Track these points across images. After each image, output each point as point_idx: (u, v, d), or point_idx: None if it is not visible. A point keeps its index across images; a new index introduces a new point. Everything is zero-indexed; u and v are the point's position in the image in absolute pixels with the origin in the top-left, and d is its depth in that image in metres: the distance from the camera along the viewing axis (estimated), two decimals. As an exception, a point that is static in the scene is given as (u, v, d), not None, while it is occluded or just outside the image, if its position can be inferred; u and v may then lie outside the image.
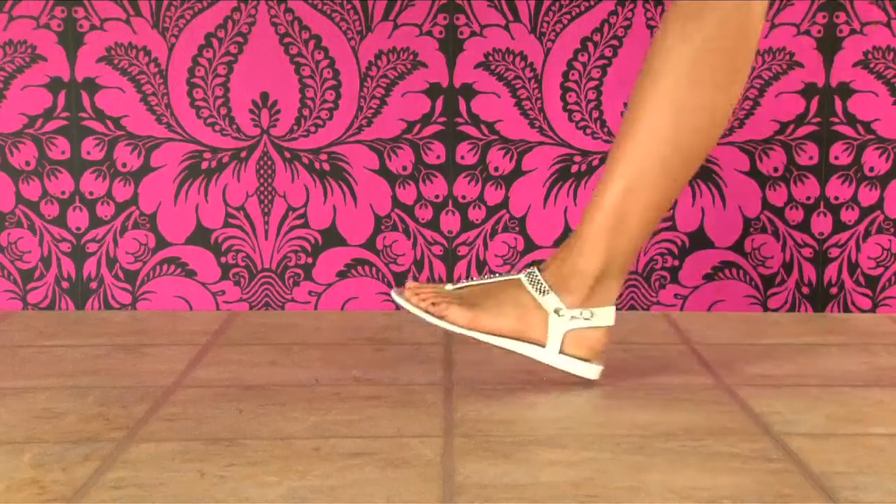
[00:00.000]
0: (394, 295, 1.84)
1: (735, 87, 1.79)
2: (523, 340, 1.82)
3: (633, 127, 1.79)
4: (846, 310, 2.36)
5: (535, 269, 1.83)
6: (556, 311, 1.81)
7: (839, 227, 2.34)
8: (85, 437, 1.60)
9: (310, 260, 2.35)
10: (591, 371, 1.83)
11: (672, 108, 1.77)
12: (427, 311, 1.82)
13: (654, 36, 1.80)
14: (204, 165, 2.33)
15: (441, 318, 1.81)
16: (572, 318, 1.81)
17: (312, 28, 2.30)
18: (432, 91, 2.32)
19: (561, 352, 1.82)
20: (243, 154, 2.33)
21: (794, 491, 1.41)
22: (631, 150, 1.79)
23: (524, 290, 1.82)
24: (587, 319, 1.82)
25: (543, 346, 1.82)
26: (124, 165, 2.33)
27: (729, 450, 1.55)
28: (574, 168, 2.33)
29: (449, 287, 1.85)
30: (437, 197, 2.34)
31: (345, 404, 1.75)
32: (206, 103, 2.32)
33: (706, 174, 2.32)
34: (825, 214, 2.34)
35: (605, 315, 1.82)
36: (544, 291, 1.82)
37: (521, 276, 1.83)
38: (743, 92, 1.89)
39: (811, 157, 2.33)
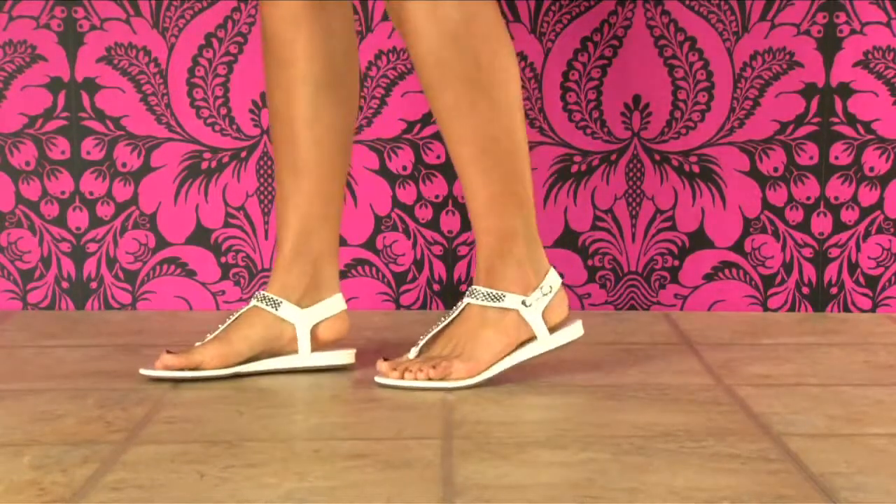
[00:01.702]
0: (380, 381, 1.86)
1: (504, 40, 1.81)
2: (520, 346, 1.84)
3: (453, 135, 1.82)
4: (846, 310, 2.36)
5: (476, 287, 1.85)
6: (524, 303, 1.84)
7: (839, 227, 2.34)
8: (84, 439, 1.60)
9: (310, 260, 2.35)
10: (578, 329, 1.88)
11: (469, 97, 1.80)
12: (430, 379, 1.83)
13: (412, 49, 1.81)
14: (204, 165, 2.33)
15: (446, 379, 1.83)
16: (538, 299, 1.85)
17: (312, 28, 2.30)
18: (432, 91, 2.32)
19: (550, 331, 1.86)
20: (243, 154, 2.33)
21: (794, 491, 1.41)
22: (472, 149, 1.82)
23: (484, 309, 1.84)
24: (548, 294, 1.85)
25: (535, 338, 1.85)
26: (124, 165, 2.33)
27: (728, 450, 1.55)
28: (574, 168, 2.33)
29: (413, 351, 1.88)
30: (437, 197, 2.34)
31: (344, 406, 1.75)
32: (206, 103, 2.32)
33: (706, 174, 2.32)
34: (825, 214, 2.34)
35: (555, 278, 1.87)
36: (500, 297, 1.83)
37: (470, 300, 1.85)
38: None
39: (811, 157, 2.33)
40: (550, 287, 1.86)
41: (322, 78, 1.89)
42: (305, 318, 1.91)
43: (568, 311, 1.89)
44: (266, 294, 1.91)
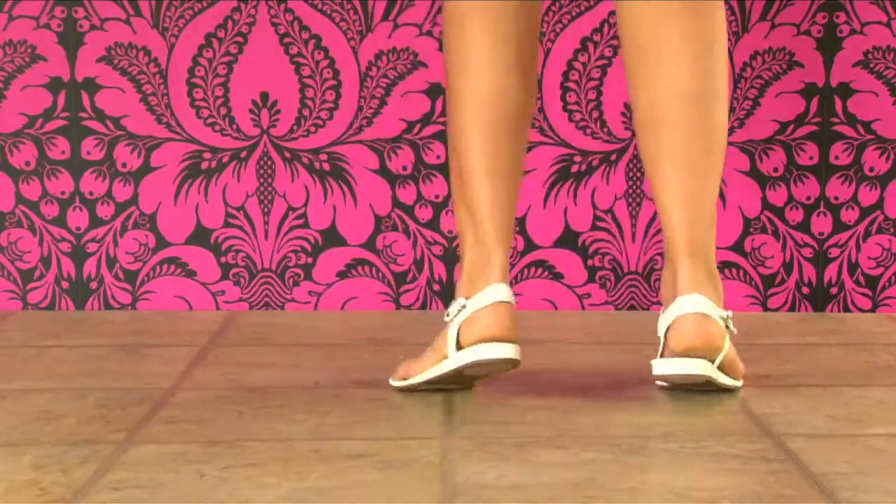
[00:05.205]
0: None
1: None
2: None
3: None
4: (846, 310, 2.36)
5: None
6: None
7: (839, 227, 2.34)
8: (85, 439, 1.60)
9: (310, 260, 2.35)
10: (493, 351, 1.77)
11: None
12: None
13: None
14: (204, 165, 2.33)
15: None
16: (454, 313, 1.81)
17: (312, 28, 2.30)
18: (432, 91, 2.32)
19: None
20: (243, 154, 2.33)
21: (794, 492, 1.41)
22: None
23: None
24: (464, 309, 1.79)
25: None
26: (124, 165, 2.33)
27: (729, 450, 1.55)
28: (574, 168, 2.33)
29: None
30: (437, 197, 2.34)
31: (345, 406, 1.75)
32: (206, 103, 2.32)
33: (706, 174, 2.32)
34: (825, 214, 2.34)
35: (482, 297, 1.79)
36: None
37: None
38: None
39: (811, 157, 2.33)
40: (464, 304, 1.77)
41: None
42: None
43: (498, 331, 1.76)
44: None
